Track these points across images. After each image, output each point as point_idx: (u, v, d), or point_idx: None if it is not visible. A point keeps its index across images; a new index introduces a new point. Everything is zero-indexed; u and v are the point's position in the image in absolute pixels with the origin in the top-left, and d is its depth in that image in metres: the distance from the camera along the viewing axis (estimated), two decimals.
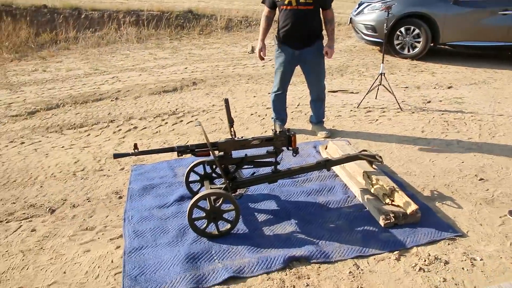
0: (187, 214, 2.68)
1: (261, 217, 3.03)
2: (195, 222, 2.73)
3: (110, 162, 4.22)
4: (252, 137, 2.93)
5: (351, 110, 5.54)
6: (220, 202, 2.71)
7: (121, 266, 2.55)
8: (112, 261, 2.62)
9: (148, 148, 4.50)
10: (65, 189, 3.65)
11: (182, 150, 2.81)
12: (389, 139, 4.54)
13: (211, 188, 2.82)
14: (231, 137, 2.90)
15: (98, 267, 2.58)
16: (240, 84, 6.95)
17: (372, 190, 3.13)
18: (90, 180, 3.81)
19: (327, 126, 4.87)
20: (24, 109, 6.14)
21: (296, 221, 2.95)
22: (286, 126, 4.91)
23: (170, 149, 2.84)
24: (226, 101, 2.87)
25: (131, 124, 5.30)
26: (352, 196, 3.27)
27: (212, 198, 2.69)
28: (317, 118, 4.70)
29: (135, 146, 2.78)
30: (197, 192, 3.31)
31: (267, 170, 3.08)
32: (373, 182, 3.12)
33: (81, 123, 5.41)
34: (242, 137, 2.94)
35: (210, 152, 2.67)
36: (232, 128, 2.90)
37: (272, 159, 3.01)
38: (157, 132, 5.03)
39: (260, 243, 2.71)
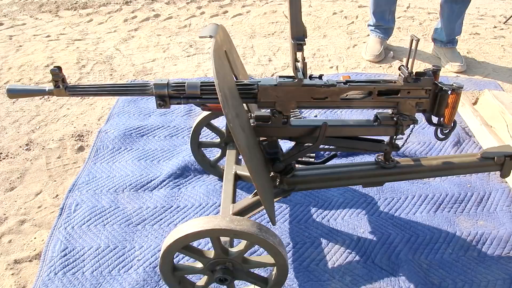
0: (159, 260, 1.09)
1: (332, 255, 1.38)
2: (178, 273, 1.15)
3: (99, 72, 2.64)
4: (347, 81, 1.15)
5: (494, 27, 3.38)
6: (243, 247, 1.07)
7: None
8: None
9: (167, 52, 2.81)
10: (8, 116, 2.17)
11: (163, 95, 1.11)
12: None
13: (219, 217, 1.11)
14: (294, 73, 1.13)
15: None
16: None
17: None
18: (51, 103, 2.28)
19: (457, 46, 2.85)
20: None
21: (410, 287, 1.28)
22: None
23: (138, 88, 1.14)
24: None
25: (152, 10, 3.58)
26: None
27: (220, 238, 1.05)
28: (449, 34, 2.67)
29: (54, 74, 1.11)
30: (213, 165, 1.69)
31: (367, 157, 1.34)
32: None
33: (86, 2, 3.76)
34: (320, 76, 1.16)
35: (223, 109, 0.91)
36: (300, 53, 1.11)
37: (383, 138, 1.26)
38: (185, 26, 3.29)
39: None
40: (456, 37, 2.73)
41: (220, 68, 0.94)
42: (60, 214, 1.54)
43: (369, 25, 2.83)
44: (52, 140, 1.98)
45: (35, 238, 1.48)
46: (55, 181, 1.74)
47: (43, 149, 1.92)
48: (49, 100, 2.31)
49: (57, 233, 1.45)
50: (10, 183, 1.72)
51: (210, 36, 1.02)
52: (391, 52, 2.82)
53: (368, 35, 2.91)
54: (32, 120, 2.14)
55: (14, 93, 1.16)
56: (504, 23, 3.44)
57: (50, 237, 1.44)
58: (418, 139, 1.93)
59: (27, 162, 1.84)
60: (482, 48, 3.02)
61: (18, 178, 1.75)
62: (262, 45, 2.93)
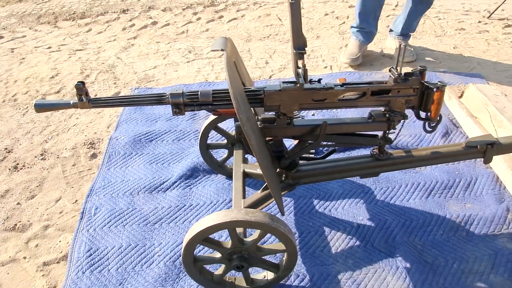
0: (181, 252, 1.22)
1: (335, 242, 1.51)
2: (198, 264, 1.28)
3: (103, 81, 2.75)
4: (344, 83, 1.28)
5: (479, 22, 3.52)
6: (257, 236, 1.20)
7: None
8: None
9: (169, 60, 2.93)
10: (20, 128, 2.28)
11: (178, 103, 1.23)
12: None
13: (236, 209, 1.25)
14: (296, 79, 1.26)
15: None
16: None
17: None
18: (60, 114, 2.39)
19: (444, 42, 3.00)
20: None
21: (407, 266, 1.41)
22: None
23: (155, 98, 1.26)
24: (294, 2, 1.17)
25: (150, 18, 3.69)
26: None
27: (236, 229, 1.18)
28: (406, 29, 2.85)
29: (79, 88, 1.23)
30: (221, 165, 1.81)
31: (362, 151, 1.48)
32: None
33: (83, 12, 3.87)
34: (319, 80, 1.29)
35: (237, 114, 1.05)
36: (301, 61, 1.24)
37: (377, 133, 1.39)
38: (183, 32, 3.41)
39: None
40: (412, 33, 2.89)
41: (232, 79, 1.06)
42: (81, 218, 1.65)
43: (352, 27, 2.93)
44: (66, 149, 2.10)
45: (60, 241, 1.60)
46: (72, 187, 1.85)
47: (57, 157, 2.04)
48: (58, 111, 2.42)
49: (80, 236, 1.57)
50: (30, 192, 1.84)
51: (222, 50, 1.14)
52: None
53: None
54: (44, 130, 2.25)
55: (41, 108, 1.27)
56: (488, 18, 3.58)
57: (75, 239, 1.56)
58: (409, 132, 2.07)
59: (44, 171, 1.96)
60: (468, 43, 3.17)
61: (37, 186, 1.87)
62: (259, 48, 3.06)
